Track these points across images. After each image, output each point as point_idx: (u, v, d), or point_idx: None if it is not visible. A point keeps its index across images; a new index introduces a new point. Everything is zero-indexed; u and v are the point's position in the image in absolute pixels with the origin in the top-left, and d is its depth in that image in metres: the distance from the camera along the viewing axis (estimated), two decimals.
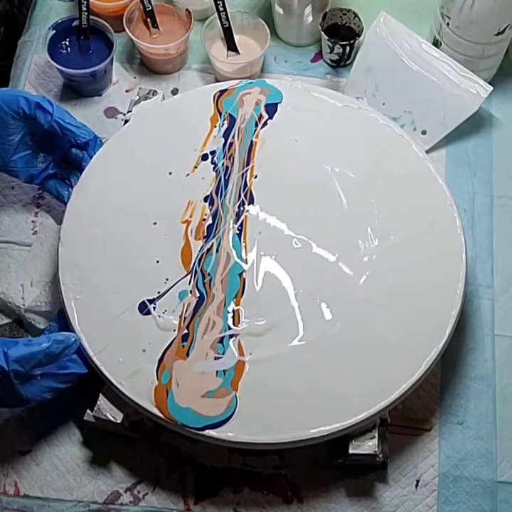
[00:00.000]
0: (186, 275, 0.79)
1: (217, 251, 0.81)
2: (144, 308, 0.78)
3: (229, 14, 0.98)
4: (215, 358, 0.75)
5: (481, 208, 0.94)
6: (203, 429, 0.72)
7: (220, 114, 0.89)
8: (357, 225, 0.82)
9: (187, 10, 1.00)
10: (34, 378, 0.71)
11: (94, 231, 0.82)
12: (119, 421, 0.76)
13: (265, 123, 0.89)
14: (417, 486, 0.80)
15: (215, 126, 0.89)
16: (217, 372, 0.75)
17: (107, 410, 0.76)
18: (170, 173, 0.86)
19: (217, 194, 0.84)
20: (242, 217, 0.83)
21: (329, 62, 1.04)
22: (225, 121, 0.89)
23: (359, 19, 1.01)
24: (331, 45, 1.00)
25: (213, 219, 0.83)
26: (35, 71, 1.03)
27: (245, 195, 0.84)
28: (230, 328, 0.76)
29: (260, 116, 0.89)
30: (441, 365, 0.84)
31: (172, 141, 0.88)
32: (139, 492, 0.79)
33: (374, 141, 0.88)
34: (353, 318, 0.77)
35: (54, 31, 0.98)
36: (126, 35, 1.00)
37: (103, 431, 0.79)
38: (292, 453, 0.80)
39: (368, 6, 1.04)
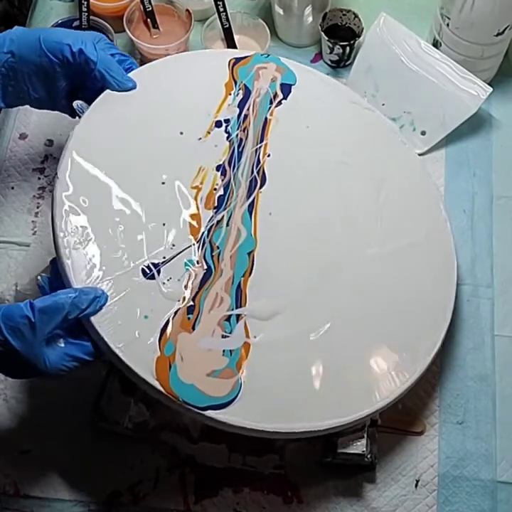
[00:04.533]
0: (194, 244, 0.76)
1: (227, 225, 0.77)
2: (147, 272, 0.73)
3: (229, 14, 0.98)
4: (223, 336, 0.72)
5: (481, 208, 0.94)
6: (205, 409, 0.68)
7: (235, 82, 0.87)
8: (358, 227, 0.82)
9: (187, 10, 1.00)
10: (57, 342, 0.68)
11: (98, 176, 0.76)
12: (122, 423, 0.76)
13: (280, 102, 0.87)
14: (416, 485, 0.80)
15: (230, 94, 0.86)
16: (224, 351, 0.71)
17: (111, 412, 0.76)
18: (181, 133, 0.82)
19: (230, 165, 0.81)
20: (254, 194, 0.80)
21: (329, 62, 1.04)
22: (240, 91, 0.86)
23: (359, 20, 1.01)
24: (330, 45, 1.00)
25: (225, 190, 0.79)
26: None
27: (258, 172, 0.81)
28: (237, 306, 0.74)
29: (275, 94, 0.87)
30: (441, 365, 0.84)
31: (185, 99, 0.84)
32: (139, 492, 0.79)
33: (381, 144, 0.89)
34: (348, 316, 0.77)
35: None
36: (126, 35, 1.00)
37: (103, 431, 0.79)
38: (292, 453, 0.80)
39: (368, 6, 1.04)
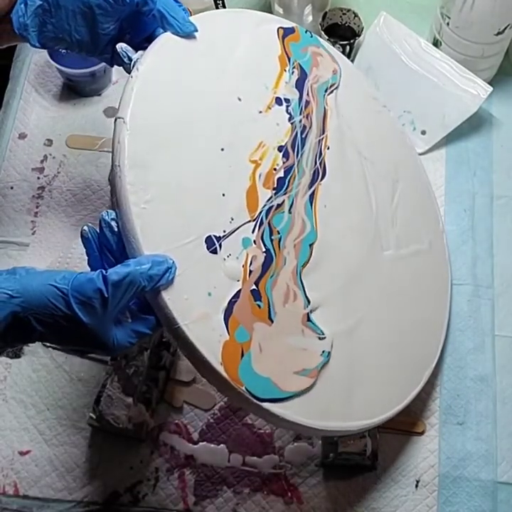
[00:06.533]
0: (250, 221, 0.70)
1: (289, 212, 0.74)
2: (211, 245, 0.66)
3: None
4: (320, 338, 0.70)
5: (481, 208, 0.94)
6: (264, 401, 0.64)
7: (289, 58, 0.82)
8: (380, 226, 0.82)
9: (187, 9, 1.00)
10: (124, 317, 0.62)
11: (162, 134, 0.68)
12: (122, 423, 0.75)
13: (331, 91, 0.85)
14: (417, 486, 0.80)
15: (285, 71, 0.81)
16: (322, 351, 0.70)
17: (110, 413, 0.76)
18: (239, 99, 0.75)
19: (293, 149, 0.77)
20: (315, 185, 0.77)
21: None
22: (295, 70, 0.82)
23: (359, 19, 1.01)
24: (331, 44, 1.00)
25: (285, 174, 0.75)
26: (35, 71, 1.03)
27: (320, 164, 0.79)
28: (309, 301, 0.71)
29: (332, 85, 0.86)
30: (441, 366, 0.84)
31: (241, 60, 0.78)
32: (138, 492, 0.79)
33: (394, 145, 0.90)
34: (375, 315, 0.77)
35: None
36: None
37: (103, 431, 0.79)
38: (292, 453, 0.80)
39: (367, 5, 1.04)
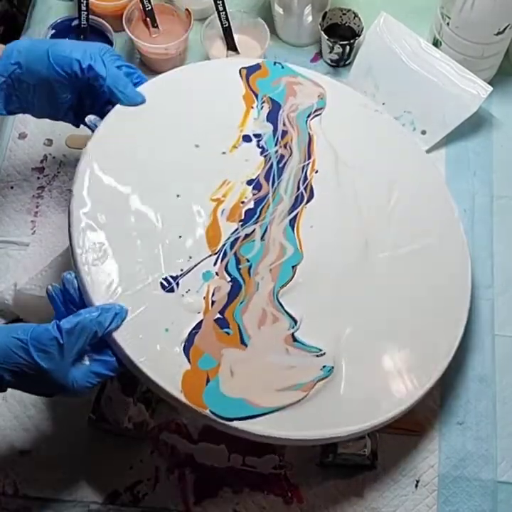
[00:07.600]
0: (211, 255, 0.75)
1: (262, 239, 0.76)
2: (166, 285, 0.72)
3: (229, 14, 0.98)
4: (317, 356, 0.73)
5: (481, 208, 0.94)
6: (232, 420, 0.68)
7: (256, 95, 0.85)
8: (372, 231, 0.82)
9: (186, 9, 1.00)
10: (82, 360, 0.68)
11: (114, 191, 0.75)
12: (122, 423, 0.75)
13: (316, 116, 0.86)
14: (416, 486, 0.80)
15: (252, 107, 0.84)
16: (323, 366, 0.72)
17: (110, 412, 0.76)
18: (196, 146, 0.80)
19: (267, 180, 0.80)
20: (299, 209, 0.79)
21: (329, 62, 1.04)
22: (265, 105, 0.85)
23: (359, 19, 1.01)
24: (330, 44, 1.00)
25: (256, 204, 0.78)
26: None
27: (305, 189, 0.81)
28: (295, 322, 0.73)
29: (317, 109, 0.87)
30: None
31: (198, 112, 0.83)
32: (138, 492, 0.79)
33: (392, 146, 0.89)
34: (367, 321, 0.77)
35: (53, 31, 0.99)
36: (125, 34, 0.99)
37: (103, 431, 0.79)
38: (292, 453, 0.80)
39: (367, 5, 1.04)
